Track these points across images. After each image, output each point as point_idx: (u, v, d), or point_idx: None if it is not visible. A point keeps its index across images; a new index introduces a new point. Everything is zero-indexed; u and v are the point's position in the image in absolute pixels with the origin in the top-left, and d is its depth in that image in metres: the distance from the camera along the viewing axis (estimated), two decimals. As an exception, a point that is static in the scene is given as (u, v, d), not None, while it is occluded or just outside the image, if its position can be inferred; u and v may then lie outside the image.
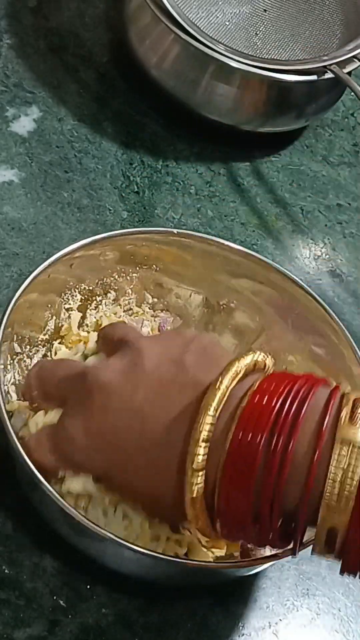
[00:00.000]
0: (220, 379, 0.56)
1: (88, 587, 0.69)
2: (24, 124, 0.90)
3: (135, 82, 0.95)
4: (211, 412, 0.56)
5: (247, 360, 0.58)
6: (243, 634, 0.71)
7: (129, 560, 0.65)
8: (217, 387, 0.56)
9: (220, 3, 0.94)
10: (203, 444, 0.55)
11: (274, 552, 0.62)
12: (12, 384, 0.70)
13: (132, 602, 0.69)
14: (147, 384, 0.59)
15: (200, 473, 0.56)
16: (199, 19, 0.91)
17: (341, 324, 0.74)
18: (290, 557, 0.61)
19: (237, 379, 0.57)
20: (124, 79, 0.95)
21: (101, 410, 0.59)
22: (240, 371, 0.57)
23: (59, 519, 0.65)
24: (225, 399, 0.56)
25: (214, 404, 0.56)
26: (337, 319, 0.74)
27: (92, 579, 0.69)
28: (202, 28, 0.88)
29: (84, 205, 0.87)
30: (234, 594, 0.72)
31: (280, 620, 0.72)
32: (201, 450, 0.55)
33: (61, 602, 0.68)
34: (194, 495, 0.56)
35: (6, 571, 0.68)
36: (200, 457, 0.55)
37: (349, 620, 0.73)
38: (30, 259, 0.82)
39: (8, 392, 0.69)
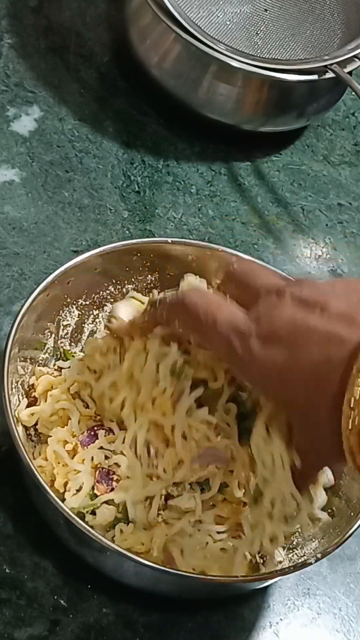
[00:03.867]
0: None
1: (89, 586, 0.69)
2: (24, 124, 0.90)
3: (136, 81, 0.95)
4: None
5: None
6: (244, 634, 0.71)
7: (131, 572, 0.66)
8: None
9: (221, 3, 0.94)
10: None
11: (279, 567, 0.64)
12: (17, 406, 0.70)
13: (133, 602, 0.69)
14: (337, 308, 0.58)
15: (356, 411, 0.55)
16: (199, 19, 0.91)
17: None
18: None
19: None
20: (124, 78, 0.95)
21: (286, 321, 0.59)
22: None
23: (61, 526, 0.65)
24: None
25: None
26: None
27: (92, 579, 0.69)
28: (203, 28, 0.88)
29: (85, 205, 0.87)
30: (234, 595, 0.72)
31: (281, 619, 0.72)
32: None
33: (62, 601, 0.68)
34: (354, 402, 0.55)
35: (7, 571, 0.68)
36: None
37: (350, 620, 0.73)
38: (31, 258, 0.82)
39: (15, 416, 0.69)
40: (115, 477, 0.67)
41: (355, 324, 0.57)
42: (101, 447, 0.68)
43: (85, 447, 0.68)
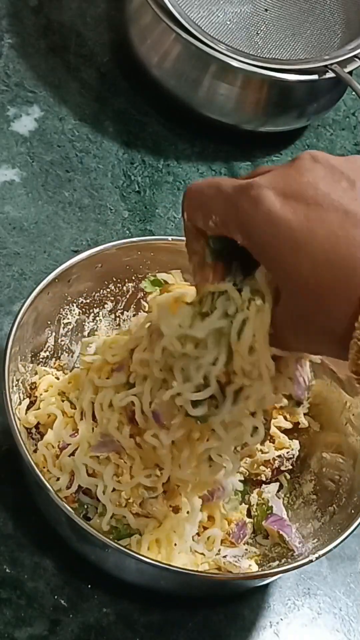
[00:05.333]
0: None
1: (89, 586, 0.69)
2: (25, 124, 0.90)
3: (137, 81, 0.95)
4: None
5: None
6: (244, 633, 0.71)
7: (132, 569, 0.66)
8: None
9: (221, 2, 0.94)
10: None
11: (281, 568, 0.63)
12: (17, 404, 0.70)
13: (133, 602, 0.69)
14: None
15: None
16: (200, 19, 0.91)
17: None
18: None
19: None
20: (125, 78, 0.95)
21: (307, 185, 0.54)
22: None
23: (62, 524, 0.65)
24: None
25: None
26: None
27: (93, 579, 0.69)
28: (203, 27, 0.88)
29: (85, 205, 0.87)
30: (235, 594, 0.72)
31: (282, 619, 0.72)
32: None
33: (62, 601, 0.68)
34: None
35: (7, 570, 0.68)
36: None
37: (350, 620, 0.73)
38: (31, 258, 0.82)
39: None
40: None
41: None
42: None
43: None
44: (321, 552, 0.65)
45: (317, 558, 0.65)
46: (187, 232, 0.61)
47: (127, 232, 0.86)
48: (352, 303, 0.52)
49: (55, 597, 0.68)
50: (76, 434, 0.68)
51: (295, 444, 0.73)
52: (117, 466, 0.66)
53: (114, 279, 0.75)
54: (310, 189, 0.53)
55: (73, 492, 0.67)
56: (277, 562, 0.69)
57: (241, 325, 0.57)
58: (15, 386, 0.69)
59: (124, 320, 0.77)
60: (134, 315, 0.77)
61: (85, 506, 0.67)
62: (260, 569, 0.69)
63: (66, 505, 0.62)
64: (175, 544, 0.67)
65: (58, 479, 0.67)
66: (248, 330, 0.57)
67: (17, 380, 0.70)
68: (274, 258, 0.54)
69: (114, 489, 0.66)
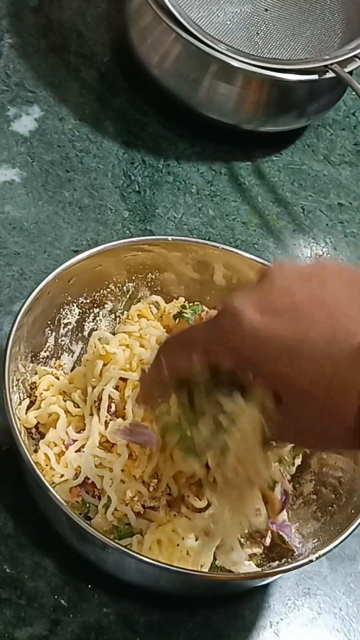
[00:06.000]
0: None
1: (89, 586, 0.69)
2: (25, 124, 0.90)
3: (137, 81, 0.95)
4: None
5: None
6: (244, 633, 0.71)
7: (132, 569, 0.66)
8: None
9: (221, 2, 0.94)
10: None
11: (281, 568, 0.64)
12: (18, 404, 0.70)
13: (134, 602, 0.69)
14: (335, 279, 0.56)
15: None
16: (200, 19, 0.91)
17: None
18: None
19: None
20: (125, 78, 0.95)
21: (285, 292, 0.55)
22: None
23: (62, 524, 0.65)
24: None
25: None
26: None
27: (93, 579, 0.69)
28: (203, 27, 0.88)
29: (85, 205, 0.87)
30: (235, 594, 0.72)
31: (282, 619, 0.72)
32: None
33: (62, 601, 0.68)
34: None
35: (7, 570, 0.68)
36: None
37: (350, 620, 0.73)
38: (31, 258, 0.82)
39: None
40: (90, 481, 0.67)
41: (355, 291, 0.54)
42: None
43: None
44: (321, 552, 0.65)
45: (317, 558, 0.65)
46: (147, 382, 0.61)
47: (127, 232, 0.86)
48: (356, 396, 0.52)
49: (56, 597, 0.68)
50: (82, 432, 0.68)
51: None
52: (130, 459, 0.66)
53: (114, 279, 0.75)
54: (287, 297, 0.55)
55: (79, 485, 0.67)
56: (277, 562, 0.69)
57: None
58: (15, 386, 0.69)
59: (124, 320, 0.77)
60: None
61: (87, 505, 0.67)
62: (260, 569, 0.69)
63: (66, 505, 0.62)
64: (178, 545, 0.67)
65: (62, 475, 0.67)
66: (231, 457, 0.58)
67: (17, 380, 0.70)
68: (272, 371, 0.55)
69: (121, 481, 0.66)
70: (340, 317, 0.53)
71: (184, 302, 0.75)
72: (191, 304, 0.73)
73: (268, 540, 0.70)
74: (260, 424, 0.57)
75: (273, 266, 0.57)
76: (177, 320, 0.73)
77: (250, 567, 0.69)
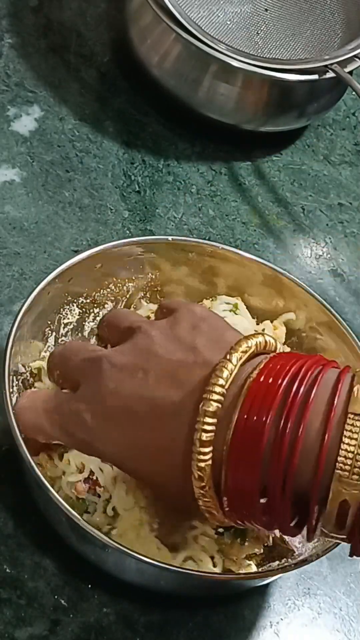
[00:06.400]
0: (228, 356, 0.57)
1: (89, 586, 0.69)
2: (25, 123, 0.90)
3: (137, 81, 0.95)
4: (219, 385, 0.56)
5: (258, 339, 0.58)
6: (244, 633, 0.71)
7: (132, 569, 0.66)
8: (225, 363, 0.56)
9: (221, 2, 0.94)
10: (210, 419, 0.55)
11: (280, 565, 0.64)
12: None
13: (134, 602, 0.69)
14: (158, 368, 0.59)
15: (208, 449, 0.55)
16: (200, 18, 0.91)
17: (343, 322, 0.74)
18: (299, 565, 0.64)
19: (246, 357, 0.57)
20: (125, 78, 0.95)
21: (113, 395, 0.60)
22: (249, 349, 0.57)
23: (62, 524, 0.65)
24: (233, 375, 0.56)
25: (223, 378, 0.56)
26: (340, 318, 0.74)
27: (93, 578, 0.69)
28: (203, 27, 0.87)
29: (85, 205, 0.87)
30: (235, 594, 0.72)
31: (282, 619, 0.72)
32: (208, 425, 0.55)
33: (62, 601, 0.68)
34: (201, 471, 0.56)
35: (7, 570, 0.68)
36: (207, 430, 0.55)
37: (350, 620, 0.73)
38: (31, 258, 0.82)
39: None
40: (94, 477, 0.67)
41: (180, 384, 0.58)
42: None
43: None
44: (321, 552, 0.65)
45: (317, 557, 0.65)
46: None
47: (128, 232, 0.86)
48: (182, 464, 0.57)
49: (56, 597, 0.68)
50: None
51: None
52: None
53: (114, 279, 0.75)
54: (116, 403, 0.60)
55: (84, 479, 0.67)
56: (277, 562, 0.69)
57: None
58: (16, 386, 0.69)
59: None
60: None
61: (87, 503, 0.67)
62: (260, 569, 0.69)
63: (66, 506, 0.62)
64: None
65: (64, 473, 0.67)
66: None
67: (17, 381, 0.70)
68: (120, 466, 0.63)
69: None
70: (158, 396, 0.58)
71: None
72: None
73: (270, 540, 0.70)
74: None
75: (97, 363, 0.61)
76: None
77: (250, 567, 0.69)
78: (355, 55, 0.89)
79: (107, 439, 0.60)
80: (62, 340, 0.74)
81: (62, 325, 0.74)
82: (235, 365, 0.56)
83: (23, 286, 0.80)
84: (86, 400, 0.61)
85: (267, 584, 0.72)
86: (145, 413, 0.58)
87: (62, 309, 0.73)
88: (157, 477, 0.60)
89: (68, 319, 0.74)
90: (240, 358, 0.57)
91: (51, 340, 0.73)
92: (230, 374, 0.56)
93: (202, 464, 0.56)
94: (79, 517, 0.62)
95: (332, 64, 0.88)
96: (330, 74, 0.88)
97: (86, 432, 0.61)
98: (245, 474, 0.55)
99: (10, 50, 0.94)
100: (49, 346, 0.73)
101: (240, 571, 0.68)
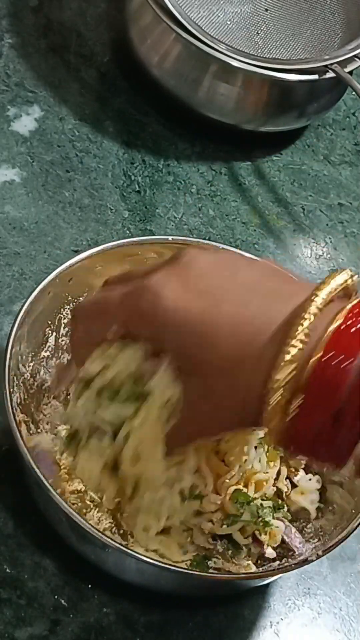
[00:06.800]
0: (321, 286, 0.55)
1: (89, 586, 0.69)
2: (25, 123, 0.90)
3: (137, 81, 0.95)
4: (312, 310, 0.54)
5: (344, 276, 0.57)
6: (244, 633, 0.71)
7: (132, 569, 0.66)
8: (317, 293, 0.54)
9: (221, 2, 0.93)
10: (300, 338, 0.53)
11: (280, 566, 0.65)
12: (18, 404, 0.69)
13: (134, 602, 0.69)
14: (246, 269, 0.58)
15: (292, 366, 0.53)
16: (200, 18, 0.91)
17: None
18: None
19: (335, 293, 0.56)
20: (125, 78, 0.95)
21: (199, 275, 0.57)
22: (338, 287, 0.56)
23: (62, 524, 0.65)
24: (322, 309, 0.54)
25: (314, 307, 0.54)
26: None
27: (93, 578, 0.69)
28: (203, 27, 0.87)
29: (85, 205, 0.87)
30: (235, 594, 0.72)
31: (282, 619, 0.72)
32: (298, 343, 0.53)
33: (62, 601, 0.68)
34: (278, 383, 0.53)
35: (7, 570, 0.68)
36: (295, 350, 0.53)
37: (350, 620, 0.73)
38: (31, 258, 0.82)
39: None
40: None
41: (289, 296, 0.55)
42: None
43: None
44: (321, 552, 0.65)
45: (317, 557, 0.65)
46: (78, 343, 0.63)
47: (128, 232, 0.86)
48: (258, 376, 0.54)
49: (56, 597, 0.68)
50: None
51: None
52: None
53: None
54: (201, 280, 0.57)
55: None
56: (277, 562, 0.69)
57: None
58: (16, 386, 0.69)
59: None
60: None
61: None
62: (260, 569, 0.69)
63: (66, 505, 0.62)
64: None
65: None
66: (132, 442, 0.60)
67: (18, 381, 0.70)
68: (182, 348, 0.57)
69: None
70: (249, 302, 0.55)
71: None
72: None
73: (270, 551, 0.70)
74: (163, 410, 0.59)
75: (188, 250, 0.59)
76: None
77: (250, 567, 0.69)
78: (355, 55, 0.89)
79: (185, 315, 0.56)
80: (62, 340, 0.74)
81: (63, 325, 0.74)
82: (327, 297, 0.55)
83: (23, 286, 0.80)
84: (166, 279, 0.57)
85: (267, 584, 0.72)
86: (228, 294, 0.56)
87: (62, 309, 0.73)
88: (223, 356, 0.55)
89: (68, 319, 0.74)
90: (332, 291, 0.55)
91: (51, 340, 0.73)
92: (323, 304, 0.54)
93: (282, 377, 0.53)
94: (79, 517, 0.62)
95: (332, 64, 0.88)
96: (330, 74, 0.88)
97: (164, 309, 0.57)
98: (321, 401, 0.53)
99: (10, 50, 0.94)
100: (49, 346, 0.73)
101: (240, 571, 0.68)
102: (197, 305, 0.56)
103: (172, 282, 0.57)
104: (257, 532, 0.68)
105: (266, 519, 0.68)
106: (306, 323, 0.53)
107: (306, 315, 0.54)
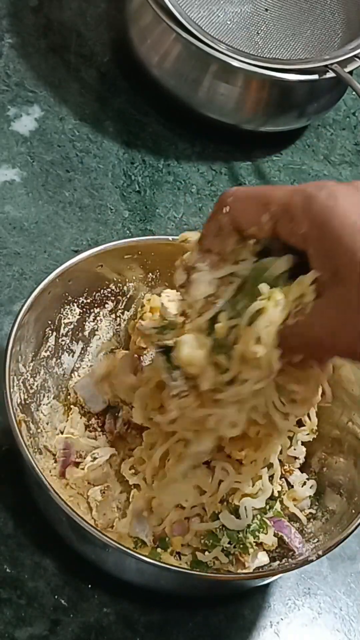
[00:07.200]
0: None
1: (89, 586, 0.69)
2: (25, 123, 0.90)
3: (137, 81, 0.95)
4: None
5: None
6: (244, 633, 0.71)
7: (132, 569, 0.66)
8: None
9: (221, 2, 0.94)
10: None
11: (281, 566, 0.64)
12: (18, 404, 0.69)
13: (134, 601, 0.69)
14: None
15: None
16: (200, 18, 0.91)
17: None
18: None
19: None
20: (125, 78, 0.95)
21: (348, 191, 0.56)
22: None
23: (63, 524, 0.65)
24: None
25: None
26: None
27: (93, 578, 0.69)
28: (203, 27, 0.87)
29: (86, 205, 0.87)
30: (236, 594, 0.72)
31: (282, 619, 0.72)
32: None
33: (62, 601, 0.68)
34: None
35: (7, 570, 0.68)
36: None
37: (350, 620, 0.73)
38: (31, 258, 0.82)
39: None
40: None
41: None
42: None
43: None
44: (321, 552, 0.65)
45: (317, 557, 0.65)
46: (210, 230, 0.61)
47: (128, 232, 0.86)
48: None
49: (56, 597, 0.68)
50: None
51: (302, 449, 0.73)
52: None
53: (114, 279, 0.75)
54: (355, 195, 0.55)
55: None
56: (277, 562, 0.69)
57: (254, 315, 0.57)
58: (16, 386, 0.69)
59: (124, 320, 0.76)
60: (131, 316, 0.77)
61: None
62: (260, 569, 0.69)
63: (66, 505, 0.62)
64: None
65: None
66: (262, 321, 0.57)
67: (18, 381, 0.70)
68: (346, 247, 0.54)
69: None
70: None
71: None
72: None
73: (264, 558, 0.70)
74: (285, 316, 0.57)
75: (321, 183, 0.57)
76: None
77: (264, 556, 0.69)
78: (355, 55, 0.89)
79: (343, 213, 0.55)
80: (62, 340, 0.74)
81: (63, 325, 0.74)
82: None
83: (23, 286, 0.80)
84: (344, 188, 0.56)
85: (268, 584, 0.72)
86: None
87: (62, 309, 0.73)
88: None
89: (68, 318, 0.74)
90: None
91: (51, 340, 0.73)
92: None
93: None
94: (79, 517, 0.62)
95: (332, 64, 0.88)
96: (330, 74, 0.88)
97: (340, 205, 0.55)
98: None
99: (10, 50, 0.94)
100: (49, 346, 0.73)
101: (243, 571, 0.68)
102: (355, 207, 0.55)
103: (351, 194, 0.55)
104: (238, 554, 0.69)
105: (246, 543, 0.68)
106: None
107: None
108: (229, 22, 0.93)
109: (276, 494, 0.70)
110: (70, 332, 0.75)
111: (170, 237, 0.75)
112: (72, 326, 0.74)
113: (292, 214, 0.57)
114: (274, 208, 0.57)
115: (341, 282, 0.55)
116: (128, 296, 0.76)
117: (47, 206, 0.86)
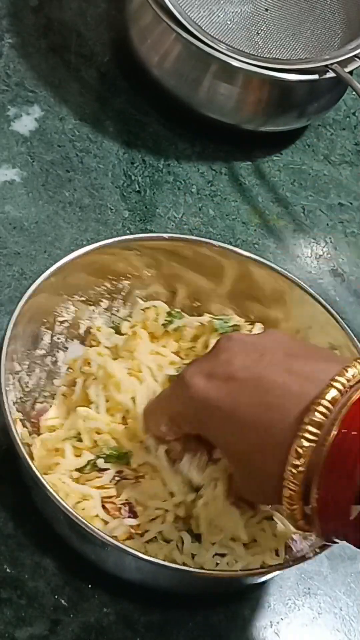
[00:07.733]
0: (337, 377, 0.57)
1: (89, 586, 0.69)
2: (25, 123, 0.90)
3: (137, 81, 0.95)
4: (327, 400, 0.56)
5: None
6: (244, 633, 0.71)
7: (132, 568, 0.66)
8: (333, 383, 0.57)
9: (221, 2, 0.93)
10: (310, 431, 0.55)
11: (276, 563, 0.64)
12: (14, 403, 0.69)
13: (134, 601, 0.69)
14: (273, 353, 0.60)
15: (301, 461, 0.56)
16: (200, 18, 0.91)
17: (343, 323, 0.74)
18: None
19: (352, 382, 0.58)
20: (125, 78, 0.95)
21: (225, 362, 0.61)
22: (355, 376, 0.57)
23: (61, 522, 0.65)
24: (338, 396, 0.56)
25: (329, 397, 0.56)
26: (339, 318, 0.74)
27: (93, 578, 0.69)
28: (203, 27, 0.87)
29: (86, 205, 0.87)
30: (235, 593, 0.72)
31: (282, 619, 0.72)
32: (309, 435, 0.55)
33: (62, 601, 0.68)
34: (295, 471, 0.56)
35: (7, 570, 0.68)
36: (306, 440, 0.55)
37: (351, 620, 0.73)
38: (31, 258, 0.82)
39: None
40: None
41: (309, 380, 0.57)
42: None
43: None
44: (318, 549, 0.65)
45: (315, 554, 0.65)
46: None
47: (128, 231, 0.86)
48: (278, 462, 0.57)
49: (56, 596, 0.68)
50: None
51: None
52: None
53: (110, 277, 0.75)
54: (227, 365, 0.60)
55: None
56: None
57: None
58: (12, 384, 0.69)
59: (119, 318, 0.76)
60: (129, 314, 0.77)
61: None
62: (259, 567, 0.68)
63: (66, 505, 0.62)
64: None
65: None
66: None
67: (14, 379, 0.70)
68: (213, 433, 0.61)
69: None
70: (271, 388, 0.58)
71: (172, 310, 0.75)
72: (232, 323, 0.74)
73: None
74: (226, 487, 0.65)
75: (224, 337, 0.63)
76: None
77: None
78: (355, 55, 0.89)
79: (211, 402, 0.60)
80: (57, 338, 0.74)
81: (58, 324, 0.74)
82: (343, 386, 0.57)
83: (23, 286, 0.80)
84: (198, 366, 0.62)
85: (268, 584, 0.72)
86: (250, 381, 0.59)
87: (57, 307, 0.73)
88: (249, 444, 0.59)
89: (63, 316, 0.74)
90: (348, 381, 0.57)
91: (47, 339, 0.73)
92: (339, 393, 0.56)
93: (297, 467, 0.56)
94: (76, 514, 0.62)
95: (332, 64, 0.88)
96: (330, 74, 0.88)
97: (193, 396, 0.61)
98: (341, 485, 0.54)
99: (10, 50, 0.94)
100: (44, 344, 0.73)
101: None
102: (221, 389, 0.60)
103: (202, 371, 0.61)
104: None
105: None
106: (318, 415, 0.56)
107: (318, 408, 0.56)
108: (229, 22, 0.93)
109: None
110: (66, 330, 0.75)
111: (165, 235, 0.75)
112: (67, 324, 0.74)
113: (177, 422, 0.64)
114: (165, 424, 0.65)
115: (230, 460, 0.63)
116: (123, 294, 0.76)
117: (47, 206, 0.86)
